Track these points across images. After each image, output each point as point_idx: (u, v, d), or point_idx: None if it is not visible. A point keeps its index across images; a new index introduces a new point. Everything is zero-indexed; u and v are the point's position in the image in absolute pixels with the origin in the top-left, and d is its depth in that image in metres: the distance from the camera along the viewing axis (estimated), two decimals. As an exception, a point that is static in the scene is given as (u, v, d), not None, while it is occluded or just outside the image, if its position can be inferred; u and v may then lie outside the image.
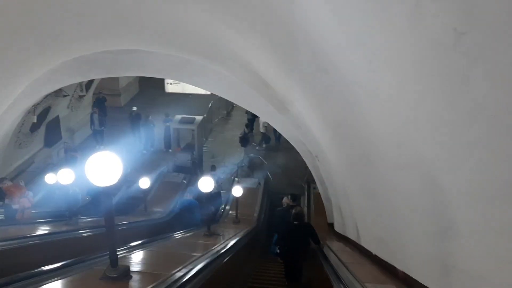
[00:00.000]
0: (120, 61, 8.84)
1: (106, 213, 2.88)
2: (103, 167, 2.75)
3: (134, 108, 15.82)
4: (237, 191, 9.40)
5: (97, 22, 7.40)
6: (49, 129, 13.91)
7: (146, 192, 10.66)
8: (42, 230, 6.90)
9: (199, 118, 13.56)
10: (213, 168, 12.77)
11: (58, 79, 9.20)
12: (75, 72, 9.09)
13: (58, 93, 10.40)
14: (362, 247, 5.66)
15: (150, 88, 22.16)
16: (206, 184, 6.14)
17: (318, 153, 7.80)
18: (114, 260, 2.85)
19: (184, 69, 8.73)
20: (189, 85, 14.07)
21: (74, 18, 6.98)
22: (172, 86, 14.53)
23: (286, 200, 9.23)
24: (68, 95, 10.91)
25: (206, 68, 8.45)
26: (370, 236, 5.02)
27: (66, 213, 7.79)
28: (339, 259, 5.65)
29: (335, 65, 3.29)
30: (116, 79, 20.73)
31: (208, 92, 13.96)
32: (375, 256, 4.89)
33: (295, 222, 7.07)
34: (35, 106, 10.50)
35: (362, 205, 4.93)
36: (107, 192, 2.89)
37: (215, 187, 7.74)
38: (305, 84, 4.43)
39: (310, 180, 12.66)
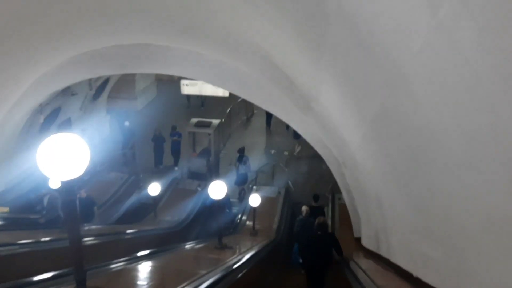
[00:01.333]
0: (132, 56, 8.33)
1: (67, 217, 2.23)
2: (63, 154, 2.13)
3: (157, 131, 14.25)
4: (255, 200, 8.71)
5: (108, 12, 6.92)
6: (61, 131, 13.49)
7: (156, 199, 10.07)
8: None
9: (216, 121, 12.95)
10: (241, 152, 12.92)
11: (65, 75, 8.75)
12: (83, 68, 8.62)
13: (66, 92, 9.96)
14: (399, 267, 4.87)
15: (168, 93, 21.82)
16: (217, 189, 5.46)
17: (346, 158, 7.07)
18: (80, 281, 2.21)
19: (199, 65, 8.16)
20: (206, 86, 13.56)
21: (83, 7, 6.52)
22: (188, 88, 13.88)
23: (305, 208, 9.56)
24: (77, 94, 10.45)
25: (223, 64, 7.84)
26: (412, 254, 4.24)
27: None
28: (371, 280, 4.90)
29: (377, 37, 2.60)
30: (132, 82, 20.46)
31: (227, 94, 13.36)
32: (417, 278, 4.11)
33: (318, 232, 7.05)
34: (42, 105, 10.07)
35: (402, 216, 4.17)
36: (69, 189, 2.26)
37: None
38: (337, 68, 3.75)
39: (335, 190, 11.89)
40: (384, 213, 5.05)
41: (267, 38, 5.43)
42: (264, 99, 8.16)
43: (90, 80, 10.23)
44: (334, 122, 5.84)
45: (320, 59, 3.97)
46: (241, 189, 12.68)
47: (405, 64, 2.44)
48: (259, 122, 18.99)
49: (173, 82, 25.35)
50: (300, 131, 8.85)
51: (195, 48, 7.84)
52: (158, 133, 14.19)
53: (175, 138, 14.25)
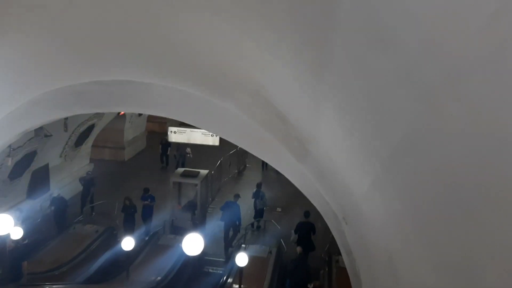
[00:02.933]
0: (111, 93, 7.62)
1: None
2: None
3: (127, 201, 12.41)
4: (242, 259, 7.66)
5: (87, 46, 6.29)
6: (34, 178, 12.55)
7: (130, 256, 8.94)
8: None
9: (204, 172, 12.07)
10: (258, 187, 13.31)
11: (37, 113, 7.98)
12: (58, 105, 7.88)
13: (39, 133, 9.16)
14: None
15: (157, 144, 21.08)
16: (193, 244, 4.52)
17: (348, 212, 6.18)
18: None
19: (185, 105, 7.44)
20: (195, 135, 12.83)
21: (59, 41, 5.89)
22: (176, 135, 13.11)
23: (299, 249, 10.46)
24: (51, 135, 9.60)
25: (211, 104, 7.12)
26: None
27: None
28: None
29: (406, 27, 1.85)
30: (121, 132, 19.78)
31: (217, 143, 12.59)
32: None
33: None
34: (12, 147, 9.22)
35: (427, 280, 3.23)
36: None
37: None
38: (345, 83, 2.97)
39: (332, 251, 10.86)
40: (399, 279, 4.10)
41: (262, 69, 4.74)
42: (255, 144, 7.39)
43: (65, 120, 9.47)
44: (336, 167, 5.02)
45: (325, 73, 3.22)
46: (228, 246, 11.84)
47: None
48: (252, 175, 18.15)
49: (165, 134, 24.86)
50: (295, 181, 7.98)
51: (181, 86, 7.15)
52: (129, 203, 12.14)
53: (146, 202, 12.48)
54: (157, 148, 20.02)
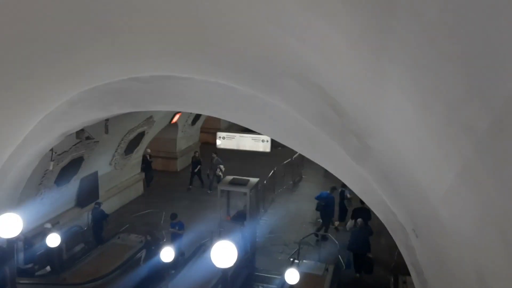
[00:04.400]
0: (150, 91, 7.12)
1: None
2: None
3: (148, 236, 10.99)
4: (293, 276, 6.76)
5: (123, 38, 5.82)
6: (83, 185, 12.39)
7: (169, 268, 8.25)
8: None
9: (254, 180, 11.29)
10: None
11: (76, 113, 7.65)
12: (96, 104, 7.50)
13: (80, 135, 8.88)
14: None
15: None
16: (223, 254, 3.78)
17: (419, 222, 5.17)
18: None
19: (228, 101, 6.76)
20: (244, 140, 12.13)
21: (93, 31, 5.47)
22: (225, 141, 12.43)
23: (360, 221, 10.96)
24: (93, 138, 9.29)
25: (255, 99, 6.39)
26: None
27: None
28: None
29: None
30: (173, 141, 19.58)
31: (268, 149, 11.81)
32: None
33: None
34: (56, 152, 8.99)
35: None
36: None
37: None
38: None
39: (398, 270, 9.66)
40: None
41: (311, 43, 3.92)
42: (305, 143, 6.54)
43: (106, 121, 9.12)
44: (404, 164, 4.06)
45: (389, 31, 2.35)
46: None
47: None
48: (308, 187, 17.14)
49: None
50: (353, 187, 7.01)
51: (222, 80, 6.49)
52: (150, 238, 10.67)
53: (173, 229, 11.16)
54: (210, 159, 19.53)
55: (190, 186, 17.30)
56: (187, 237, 11.27)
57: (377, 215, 6.97)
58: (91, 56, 6.28)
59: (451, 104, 2.30)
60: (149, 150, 17.01)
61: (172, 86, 6.90)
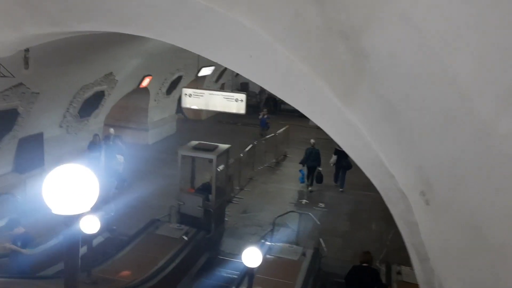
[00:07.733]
0: (74, 3, 5.33)
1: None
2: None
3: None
4: (253, 258, 5.05)
5: None
6: (23, 147, 10.59)
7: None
8: None
9: (224, 146, 9.51)
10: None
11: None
12: (2, 20, 5.70)
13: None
14: None
15: (189, 131, 18.78)
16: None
17: (434, 176, 3.52)
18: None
19: (176, 17, 4.99)
20: (214, 98, 10.33)
21: None
22: (191, 99, 10.38)
23: (313, 141, 13.83)
24: (3, 75, 7.22)
25: (213, 16, 4.63)
26: None
27: None
28: None
29: None
30: (145, 111, 17.78)
31: (242, 110, 10.03)
32: None
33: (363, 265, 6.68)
34: None
35: None
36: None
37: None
38: None
39: (391, 259, 8.08)
40: None
41: None
42: (277, 79, 4.80)
43: (25, 51, 7.19)
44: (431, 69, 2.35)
45: None
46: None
47: None
48: (293, 167, 15.45)
49: (201, 121, 22.69)
50: (341, 142, 5.28)
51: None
52: None
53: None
54: (186, 134, 17.63)
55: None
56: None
57: (372, 181, 5.27)
58: None
59: None
60: (112, 130, 14.03)
61: (101, -2, 5.13)
